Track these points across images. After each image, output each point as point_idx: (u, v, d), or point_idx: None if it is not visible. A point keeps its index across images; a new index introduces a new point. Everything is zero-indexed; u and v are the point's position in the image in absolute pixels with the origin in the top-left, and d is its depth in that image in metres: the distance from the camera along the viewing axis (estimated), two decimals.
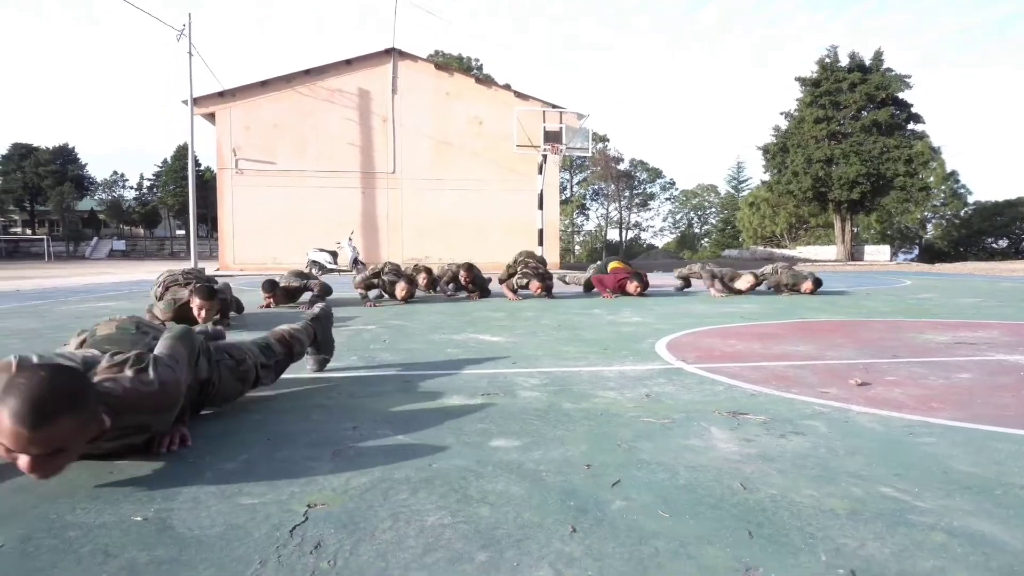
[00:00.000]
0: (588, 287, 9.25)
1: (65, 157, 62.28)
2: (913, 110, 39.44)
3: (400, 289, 7.55)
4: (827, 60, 40.53)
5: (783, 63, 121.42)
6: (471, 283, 8.48)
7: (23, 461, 1.51)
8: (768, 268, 9.63)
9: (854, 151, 37.77)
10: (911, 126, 39.86)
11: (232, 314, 5.85)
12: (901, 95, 38.84)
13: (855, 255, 41.29)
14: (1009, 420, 2.45)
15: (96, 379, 1.78)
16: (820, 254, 43.08)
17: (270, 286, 7.19)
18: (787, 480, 1.79)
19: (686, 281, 10.13)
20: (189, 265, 19.32)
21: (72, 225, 60.21)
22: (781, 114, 42.85)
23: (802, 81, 41.32)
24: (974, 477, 1.82)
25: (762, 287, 9.41)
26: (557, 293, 8.85)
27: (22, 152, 60.55)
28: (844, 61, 40.18)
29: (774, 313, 6.58)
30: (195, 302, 4.81)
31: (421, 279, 8.34)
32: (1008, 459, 1.98)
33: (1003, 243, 52.80)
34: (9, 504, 1.60)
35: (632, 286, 8.40)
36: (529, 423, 2.38)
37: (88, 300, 8.48)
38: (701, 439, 2.19)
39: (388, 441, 2.15)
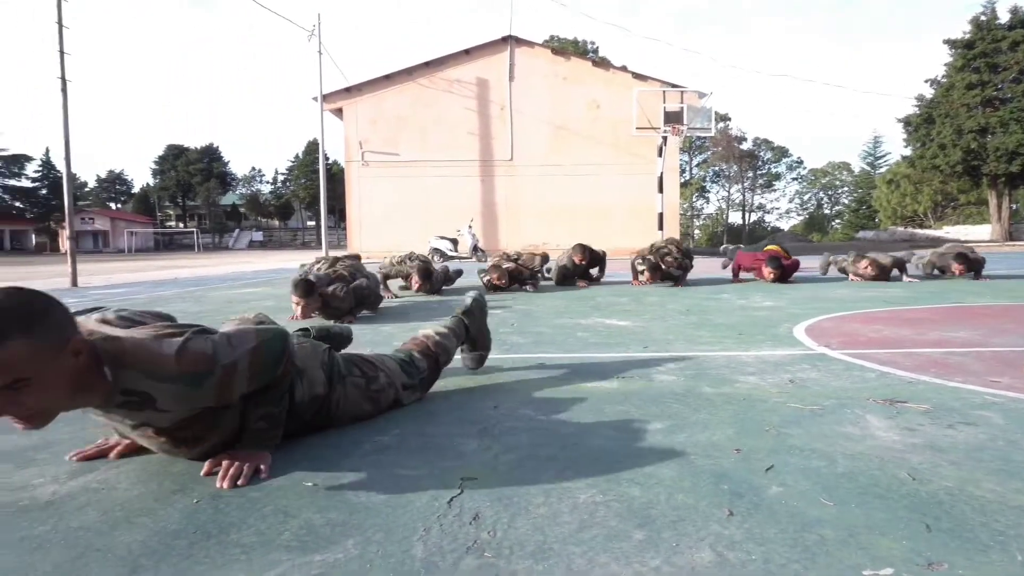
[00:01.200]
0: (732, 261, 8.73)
1: (211, 156, 67.83)
2: None
3: (413, 283, 6.89)
4: (983, 18, 36.64)
5: (927, 27, 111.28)
6: (589, 264, 8.05)
7: None
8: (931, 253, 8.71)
9: (1015, 118, 33.99)
10: None
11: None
12: None
13: (1014, 235, 37.32)
14: None
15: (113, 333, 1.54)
16: (971, 234, 39.30)
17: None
18: (963, 472, 1.66)
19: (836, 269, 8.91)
20: (320, 254, 20.52)
21: (217, 218, 65.62)
22: (926, 82, 39.27)
23: (952, 44, 37.62)
24: None
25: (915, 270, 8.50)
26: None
27: (175, 152, 66.57)
28: (1004, 18, 36.16)
29: (924, 297, 6.09)
30: (293, 297, 4.65)
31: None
32: None
33: None
34: (198, 466, 1.77)
35: (766, 271, 7.74)
36: (669, 406, 2.34)
37: (235, 287, 9.22)
38: (857, 427, 2.06)
39: (530, 420, 2.19)
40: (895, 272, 7.97)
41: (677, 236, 24.01)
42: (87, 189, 69.72)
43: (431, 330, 2.65)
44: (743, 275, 8.37)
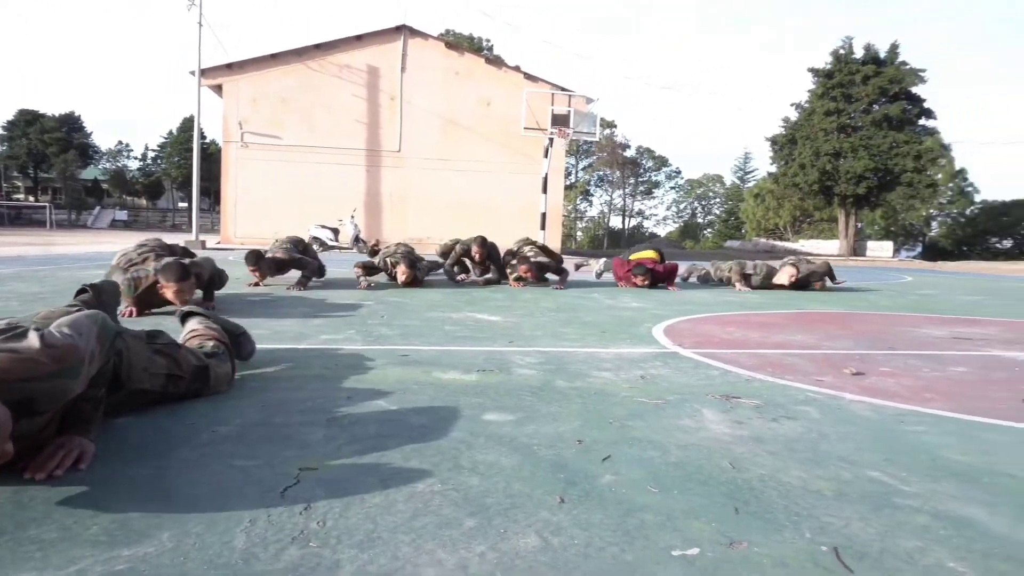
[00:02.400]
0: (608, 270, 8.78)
1: (71, 125, 62.10)
2: (926, 105, 39.10)
3: (402, 272, 6.60)
4: (841, 51, 40.10)
5: (797, 53, 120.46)
6: (484, 261, 7.68)
7: None
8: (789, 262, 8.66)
9: (863, 145, 37.50)
10: (922, 121, 39.53)
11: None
12: (914, 89, 38.49)
13: (858, 250, 41.17)
14: (1001, 412, 2.46)
15: None
16: (822, 248, 42.95)
17: (254, 258, 6.21)
18: (777, 461, 1.81)
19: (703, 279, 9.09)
20: (190, 237, 19.33)
21: (75, 193, 60.17)
22: (792, 105, 42.47)
23: (815, 72, 40.92)
24: (962, 465, 1.83)
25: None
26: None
27: (28, 119, 60.36)
28: (859, 53, 39.76)
29: (775, 303, 6.58)
30: (167, 284, 4.07)
31: (400, 272, 6.66)
32: (998, 449, 1.99)
33: (1008, 243, 52.61)
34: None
35: (639, 279, 7.70)
36: (523, 399, 2.40)
37: (89, 267, 8.50)
38: (693, 420, 2.20)
39: (382, 411, 2.17)
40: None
41: (559, 237, 24.62)
42: None
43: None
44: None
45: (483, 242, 7.60)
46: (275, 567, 1.14)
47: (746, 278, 8.16)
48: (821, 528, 1.38)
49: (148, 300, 4.29)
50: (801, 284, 8.22)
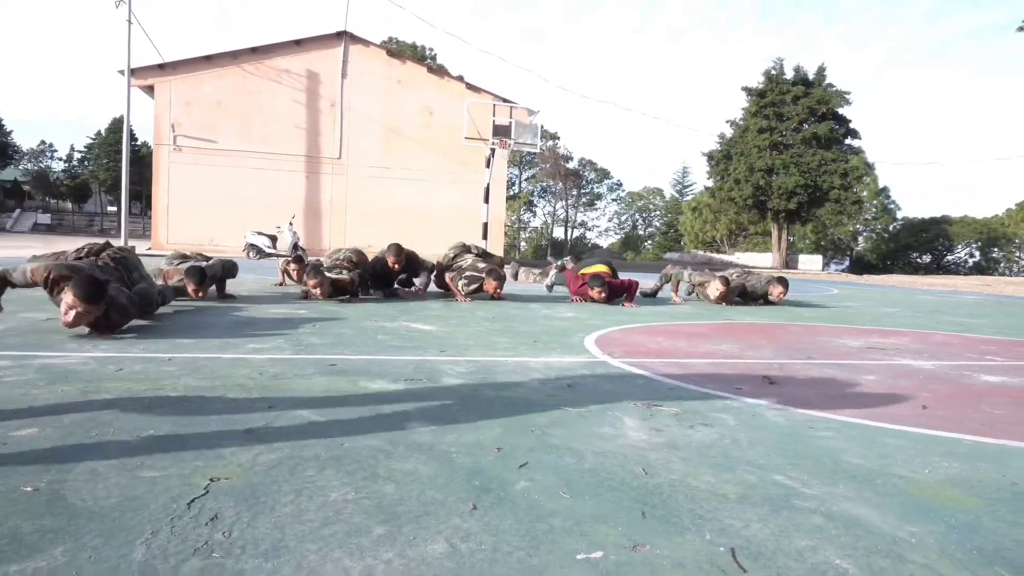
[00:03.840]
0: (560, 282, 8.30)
1: None
2: (851, 125, 41.06)
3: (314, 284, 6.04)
4: (773, 72, 41.78)
5: (733, 70, 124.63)
6: (401, 271, 6.94)
7: None
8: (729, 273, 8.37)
9: (794, 162, 39.09)
10: (848, 141, 41.52)
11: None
12: (840, 110, 40.38)
13: (789, 263, 42.78)
14: (903, 418, 2.60)
15: None
16: (757, 261, 44.46)
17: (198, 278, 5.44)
18: (688, 467, 1.87)
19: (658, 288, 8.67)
20: (119, 242, 18.59)
21: None
22: (727, 122, 43.97)
23: (748, 91, 42.49)
24: (860, 468, 1.94)
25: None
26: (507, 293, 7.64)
27: None
28: (789, 74, 41.47)
29: (704, 314, 6.78)
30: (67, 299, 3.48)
31: (313, 285, 6.07)
32: (894, 452, 2.11)
33: (926, 258, 55.58)
34: None
35: (595, 292, 7.13)
36: (448, 408, 2.41)
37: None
38: (613, 427, 2.25)
39: (303, 421, 2.14)
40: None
41: (502, 247, 24.72)
42: None
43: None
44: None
45: (398, 250, 6.80)
46: None
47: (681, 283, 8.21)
48: (722, 530, 1.44)
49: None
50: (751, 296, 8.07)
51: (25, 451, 1.73)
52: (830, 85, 40.58)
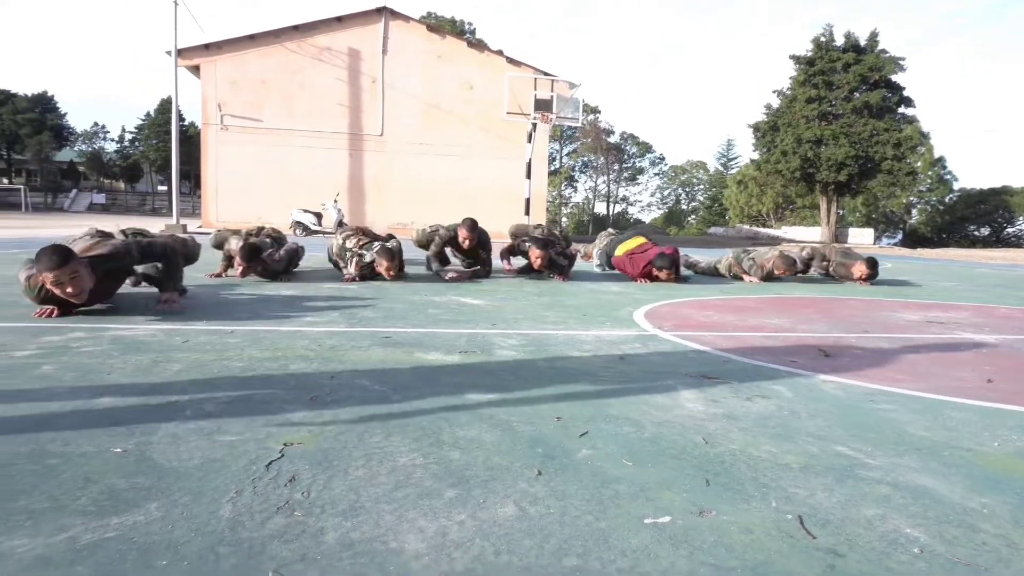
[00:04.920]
0: (609, 265, 7.48)
1: (44, 105, 60.80)
2: (905, 93, 39.45)
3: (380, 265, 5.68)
4: (822, 39, 40.29)
5: (779, 40, 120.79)
6: (474, 249, 6.39)
7: None
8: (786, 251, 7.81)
9: (844, 133, 37.81)
10: (902, 109, 39.88)
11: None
12: (894, 77, 38.80)
13: (839, 237, 41.62)
14: (966, 392, 2.54)
15: None
16: (804, 235, 43.39)
17: (249, 254, 5.33)
18: (748, 437, 1.87)
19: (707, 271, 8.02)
20: (171, 221, 19.12)
21: (50, 176, 59.15)
22: (773, 92, 42.60)
23: (796, 59, 41.08)
24: (925, 440, 1.91)
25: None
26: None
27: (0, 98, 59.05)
28: (839, 40, 39.97)
29: (753, 288, 6.68)
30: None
31: (387, 268, 5.70)
32: (960, 426, 2.07)
33: (985, 231, 53.47)
34: None
35: (664, 274, 6.57)
36: (503, 378, 2.44)
37: None
38: (670, 398, 2.26)
39: (364, 390, 2.20)
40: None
41: (544, 223, 24.63)
42: None
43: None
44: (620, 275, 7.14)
45: (472, 226, 6.20)
46: (261, 534, 1.18)
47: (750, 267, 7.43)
48: (787, 498, 1.45)
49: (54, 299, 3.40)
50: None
51: (110, 415, 1.82)
52: (883, 51, 38.96)
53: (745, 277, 7.36)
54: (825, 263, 7.96)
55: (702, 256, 9.02)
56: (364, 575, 1.07)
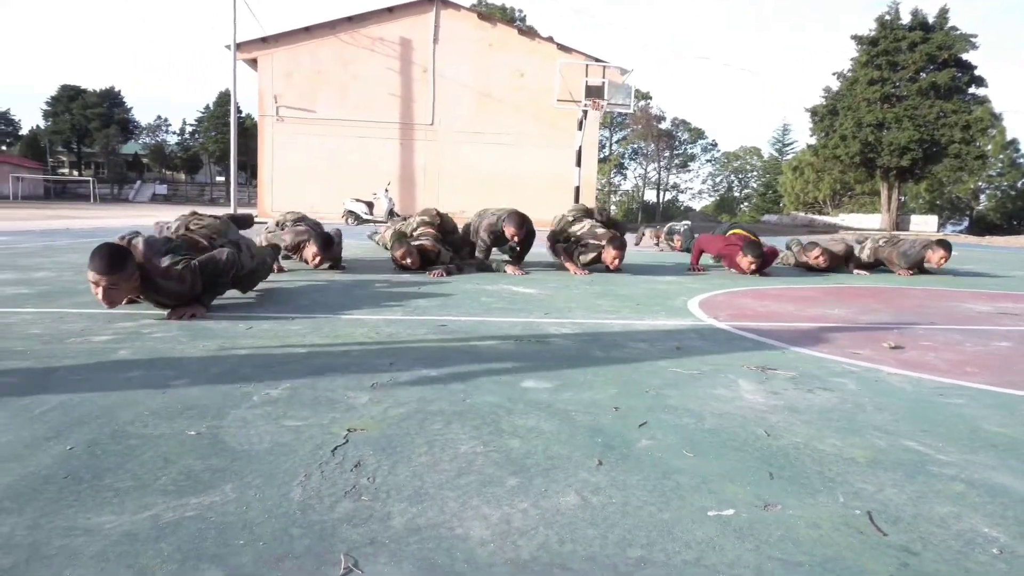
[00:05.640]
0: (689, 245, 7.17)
1: (111, 100, 63.36)
2: (976, 73, 37.59)
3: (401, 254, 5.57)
4: (887, 17, 38.68)
5: (838, 21, 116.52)
6: (522, 244, 5.93)
7: None
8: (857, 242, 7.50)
9: (908, 115, 36.30)
10: (972, 90, 38.04)
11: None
12: (965, 56, 36.99)
13: (900, 225, 40.14)
14: None
15: None
16: (863, 222, 42.01)
17: (325, 243, 5.33)
18: (812, 430, 1.83)
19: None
20: (229, 210, 19.69)
21: (116, 168, 61.59)
22: (833, 74, 41.31)
23: (858, 39, 39.57)
24: (1001, 436, 1.84)
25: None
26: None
27: (70, 94, 61.73)
28: (906, 19, 38.29)
29: (811, 277, 6.50)
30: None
31: (401, 256, 5.59)
32: None
33: None
34: (76, 414, 1.73)
35: (746, 261, 6.15)
36: (560, 367, 2.45)
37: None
38: (729, 390, 2.23)
39: (424, 377, 2.24)
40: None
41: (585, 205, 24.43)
42: None
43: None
44: (704, 261, 6.94)
45: (522, 222, 5.75)
46: (330, 517, 1.22)
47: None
48: (855, 493, 1.41)
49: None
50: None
51: (183, 399, 1.90)
52: (953, 28, 37.17)
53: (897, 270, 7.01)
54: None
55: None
56: (432, 560, 1.09)
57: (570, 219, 6.52)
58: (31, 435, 1.58)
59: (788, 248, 7.70)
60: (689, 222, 9.22)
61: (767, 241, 7.21)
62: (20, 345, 2.53)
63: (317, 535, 1.15)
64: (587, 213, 6.71)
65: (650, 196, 70.17)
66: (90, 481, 1.33)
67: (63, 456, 1.46)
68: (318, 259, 5.30)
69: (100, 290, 2.92)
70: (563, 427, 1.77)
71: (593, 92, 19.66)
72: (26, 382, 2.03)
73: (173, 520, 1.19)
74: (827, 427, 1.86)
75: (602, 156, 54.60)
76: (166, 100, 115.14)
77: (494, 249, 6.17)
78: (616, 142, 67.47)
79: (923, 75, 37.01)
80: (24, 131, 67.29)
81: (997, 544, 1.21)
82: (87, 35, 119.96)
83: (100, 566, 1.03)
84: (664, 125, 66.07)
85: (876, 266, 7.27)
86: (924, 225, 41.74)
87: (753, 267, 6.17)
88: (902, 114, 36.49)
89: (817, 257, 6.94)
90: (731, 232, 6.83)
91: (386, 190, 20.43)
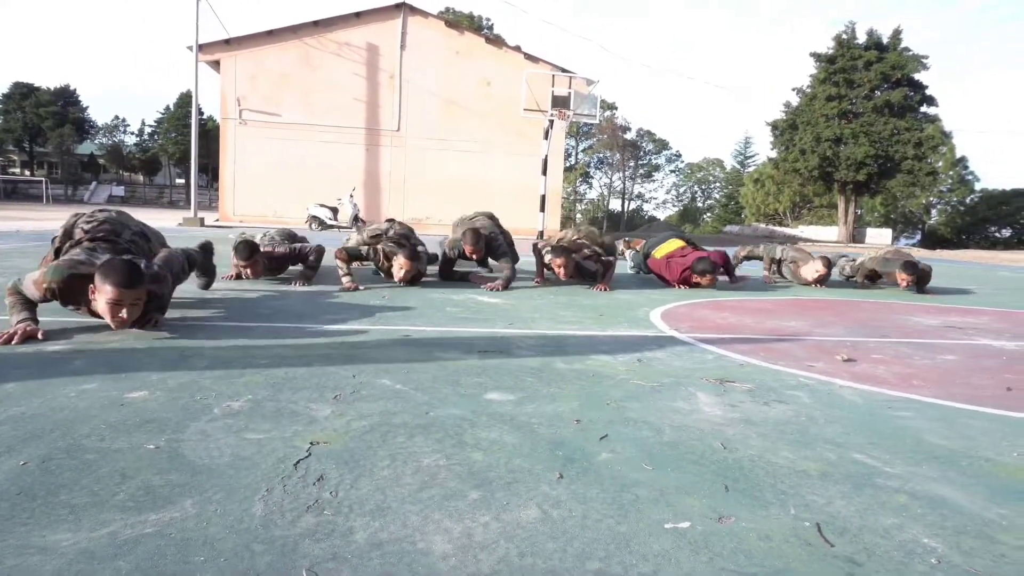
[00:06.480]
0: (644, 268, 6.98)
1: (66, 99, 61.54)
2: (927, 92, 38.96)
3: (399, 267, 5.25)
4: (844, 36, 39.86)
5: (799, 38, 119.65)
6: (480, 261, 6.02)
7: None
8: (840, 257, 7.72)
9: (864, 131, 37.41)
10: (924, 108, 39.41)
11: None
12: (917, 76, 38.32)
13: (856, 237, 41.26)
14: (985, 400, 2.54)
15: None
16: (821, 234, 43.07)
17: (247, 251, 5.02)
18: (766, 443, 1.89)
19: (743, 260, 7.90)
20: (188, 214, 19.30)
21: (71, 168, 59.86)
22: (793, 90, 42.29)
23: (817, 57, 40.69)
24: (943, 448, 1.92)
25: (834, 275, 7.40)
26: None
27: (23, 91, 59.79)
28: (862, 38, 39.52)
29: (770, 289, 6.66)
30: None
31: (399, 267, 5.28)
32: (978, 434, 2.08)
33: (1007, 232, 52.70)
34: (29, 428, 1.69)
35: (706, 280, 6.10)
36: (523, 379, 2.47)
37: None
38: (687, 402, 2.28)
39: (386, 389, 2.24)
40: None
41: (559, 220, 24.62)
42: None
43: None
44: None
45: (476, 239, 5.66)
46: (293, 532, 1.22)
47: (774, 264, 7.41)
48: (805, 505, 1.47)
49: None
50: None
51: (141, 412, 1.87)
52: (906, 49, 38.49)
53: (766, 275, 7.39)
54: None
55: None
56: (394, 574, 1.10)
57: (573, 238, 6.39)
58: None
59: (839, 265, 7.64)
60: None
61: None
62: None
63: (279, 551, 1.16)
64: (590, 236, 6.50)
65: (615, 205, 70.91)
66: (44, 497, 1.31)
67: (16, 472, 1.43)
68: (239, 269, 5.06)
69: (125, 309, 2.68)
70: (525, 440, 1.80)
71: (559, 102, 19.80)
72: None
73: (132, 537, 1.18)
74: (781, 440, 1.92)
75: (568, 165, 55.08)
76: (124, 100, 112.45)
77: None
78: (582, 151, 67.99)
79: (878, 93, 38.23)
80: None
81: (935, 554, 1.27)
82: (41, 31, 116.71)
83: None
84: (629, 135, 66.88)
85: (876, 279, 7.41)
86: (879, 238, 42.98)
87: (714, 282, 6.18)
88: (858, 130, 37.59)
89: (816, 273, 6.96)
90: (668, 248, 6.62)
91: (351, 195, 20.27)
